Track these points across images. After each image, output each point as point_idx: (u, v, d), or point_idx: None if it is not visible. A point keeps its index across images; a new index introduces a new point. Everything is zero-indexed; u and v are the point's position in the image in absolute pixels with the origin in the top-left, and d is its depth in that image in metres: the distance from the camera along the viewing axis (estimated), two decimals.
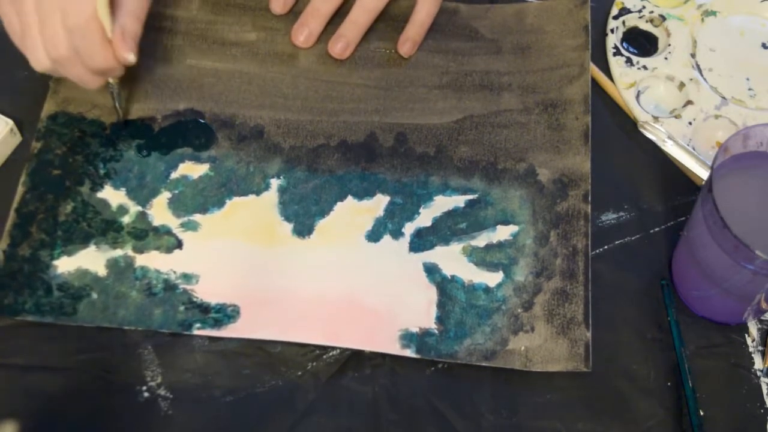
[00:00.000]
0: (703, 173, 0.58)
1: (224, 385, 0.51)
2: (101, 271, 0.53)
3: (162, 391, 0.51)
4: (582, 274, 0.54)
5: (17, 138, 0.58)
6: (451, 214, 0.56)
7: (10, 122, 0.57)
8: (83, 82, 0.53)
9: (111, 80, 0.55)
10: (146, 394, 0.51)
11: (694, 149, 0.59)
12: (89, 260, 0.53)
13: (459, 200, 0.56)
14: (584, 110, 0.59)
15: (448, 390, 0.52)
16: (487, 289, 0.54)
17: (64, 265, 0.53)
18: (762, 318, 0.55)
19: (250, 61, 0.61)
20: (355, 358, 0.52)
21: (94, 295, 0.52)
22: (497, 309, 0.53)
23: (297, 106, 0.59)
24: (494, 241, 0.55)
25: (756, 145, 0.50)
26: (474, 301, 0.53)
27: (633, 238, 0.57)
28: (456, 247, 0.55)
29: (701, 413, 0.51)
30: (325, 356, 0.52)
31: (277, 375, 0.51)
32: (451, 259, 0.54)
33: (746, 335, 0.54)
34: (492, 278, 0.54)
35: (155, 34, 0.61)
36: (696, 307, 0.54)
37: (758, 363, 0.53)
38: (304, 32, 0.61)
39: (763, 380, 0.53)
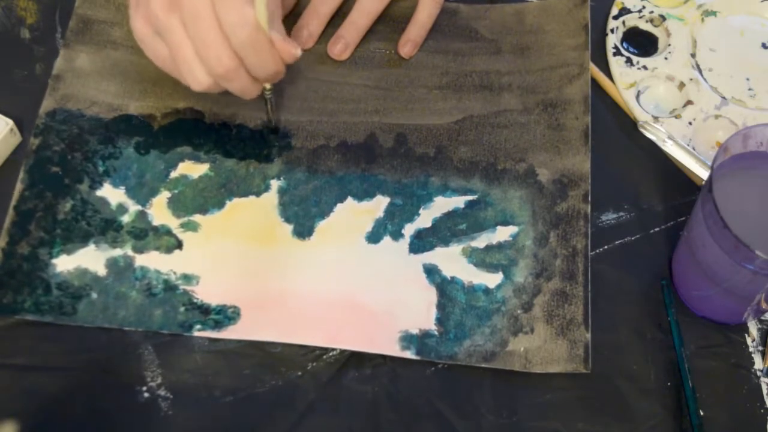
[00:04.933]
0: (703, 173, 0.58)
1: (224, 385, 0.51)
2: (101, 270, 0.53)
3: (162, 391, 0.51)
4: (581, 275, 0.54)
5: (17, 138, 0.58)
6: (451, 215, 0.56)
7: (10, 122, 0.57)
8: (246, 91, 0.52)
9: (267, 87, 0.54)
10: (146, 394, 0.51)
11: (694, 149, 0.59)
12: (89, 259, 0.53)
13: (459, 201, 0.56)
14: (584, 110, 0.59)
15: (448, 390, 0.52)
16: (486, 291, 0.53)
17: (64, 263, 0.53)
18: (762, 318, 0.55)
19: None
20: (355, 358, 0.52)
21: (94, 295, 0.52)
22: (497, 310, 0.53)
23: (296, 106, 0.59)
24: (494, 242, 0.55)
25: (756, 145, 0.50)
26: (474, 302, 0.53)
27: (633, 238, 0.57)
28: (456, 248, 0.55)
29: (701, 413, 0.51)
30: (325, 356, 0.52)
31: (277, 375, 0.51)
32: (451, 260, 0.54)
33: (746, 335, 0.54)
34: (492, 279, 0.54)
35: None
36: (696, 307, 0.54)
37: (758, 363, 0.53)
38: (304, 33, 0.61)
39: (763, 380, 0.53)
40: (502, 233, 0.55)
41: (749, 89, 0.62)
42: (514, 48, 0.62)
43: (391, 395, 0.51)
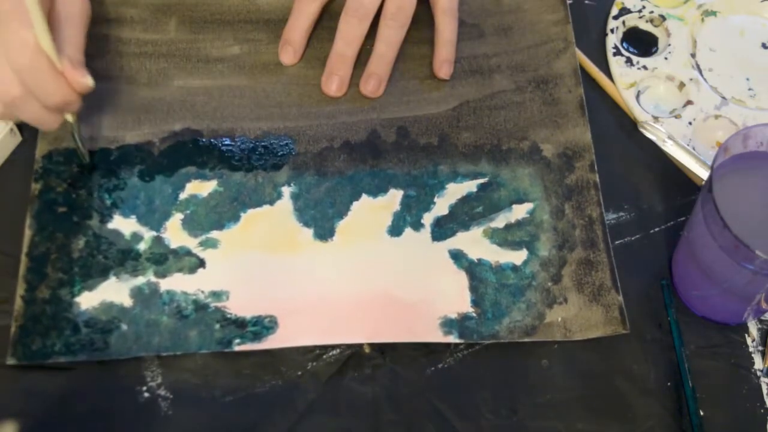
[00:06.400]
0: (703, 173, 0.58)
1: (224, 385, 0.51)
2: (126, 301, 0.52)
3: (162, 391, 0.51)
4: (602, 241, 0.55)
5: (17, 138, 0.58)
6: (466, 199, 0.56)
7: (10, 122, 0.56)
8: (41, 122, 0.51)
9: (69, 118, 0.53)
10: (146, 394, 0.50)
11: (694, 149, 0.59)
12: (112, 292, 0.52)
13: (471, 185, 0.57)
14: (575, 83, 0.61)
15: (448, 390, 0.52)
16: (514, 268, 0.54)
17: (87, 300, 0.52)
18: (762, 318, 0.55)
19: (237, 74, 0.60)
20: (355, 358, 0.52)
21: (124, 327, 0.51)
22: (528, 285, 0.54)
23: (293, 113, 0.59)
24: (512, 221, 0.56)
25: (756, 145, 0.50)
26: (504, 280, 0.54)
27: (633, 238, 0.57)
28: (477, 231, 0.55)
29: (701, 413, 0.51)
30: (325, 356, 0.52)
31: (277, 375, 0.51)
32: (474, 243, 0.55)
33: (746, 335, 0.54)
34: (517, 256, 0.55)
35: (138, 60, 0.60)
36: (696, 307, 0.54)
37: (758, 363, 0.53)
38: (335, 81, 0.59)
39: (763, 380, 0.53)
40: (519, 211, 0.56)
41: (749, 89, 0.62)
42: (496, 30, 0.63)
43: (391, 395, 0.51)
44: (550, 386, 0.52)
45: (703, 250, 0.50)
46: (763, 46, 0.64)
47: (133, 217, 0.55)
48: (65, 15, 0.51)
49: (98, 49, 0.60)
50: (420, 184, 0.57)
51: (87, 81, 0.50)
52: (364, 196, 0.56)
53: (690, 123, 0.60)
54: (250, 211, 0.55)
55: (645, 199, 0.58)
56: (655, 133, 0.60)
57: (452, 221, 0.56)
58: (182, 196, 0.56)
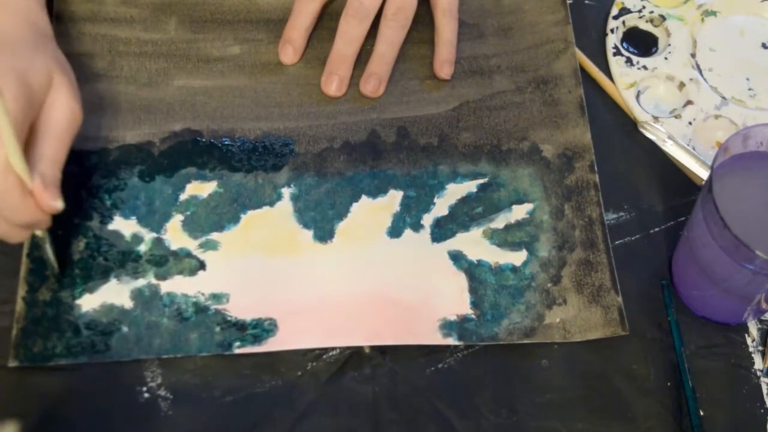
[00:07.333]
0: (703, 173, 0.58)
1: (224, 385, 0.51)
2: (127, 303, 0.52)
3: (162, 392, 0.51)
4: (602, 242, 0.55)
5: None
6: (466, 200, 0.56)
7: None
8: (7, 237, 0.48)
9: (39, 233, 0.50)
10: (146, 395, 0.51)
11: (694, 149, 0.59)
12: (113, 294, 0.52)
13: (471, 186, 0.57)
14: (575, 83, 0.61)
15: (448, 390, 0.52)
16: (514, 269, 0.54)
17: (88, 302, 0.52)
18: (762, 318, 0.55)
19: (238, 74, 0.60)
20: (355, 358, 0.52)
21: (125, 329, 0.51)
22: (528, 286, 0.54)
23: (293, 113, 0.59)
24: (512, 221, 0.56)
25: (756, 145, 0.50)
26: (504, 282, 0.54)
27: (633, 238, 0.57)
28: (476, 232, 0.55)
29: (701, 413, 0.51)
30: (325, 356, 0.52)
31: (277, 375, 0.51)
32: (474, 244, 0.55)
33: (746, 335, 0.54)
34: (517, 257, 0.55)
35: (138, 60, 0.60)
36: (696, 307, 0.54)
37: (758, 363, 0.53)
38: (335, 80, 0.59)
39: (763, 380, 0.53)
40: (519, 211, 0.56)
41: (749, 89, 0.62)
42: (496, 30, 0.63)
43: (391, 395, 0.51)
44: (550, 386, 0.52)
45: (703, 250, 0.50)
46: (763, 46, 0.64)
47: (134, 218, 0.55)
48: (49, 125, 0.48)
49: (98, 49, 0.60)
50: (420, 184, 0.57)
51: (56, 204, 0.47)
52: (364, 197, 0.56)
53: (690, 123, 0.60)
54: (250, 213, 0.55)
55: (645, 199, 0.58)
56: (655, 133, 0.60)
57: (452, 222, 0.56)
58: (182, 197, 0.55)
